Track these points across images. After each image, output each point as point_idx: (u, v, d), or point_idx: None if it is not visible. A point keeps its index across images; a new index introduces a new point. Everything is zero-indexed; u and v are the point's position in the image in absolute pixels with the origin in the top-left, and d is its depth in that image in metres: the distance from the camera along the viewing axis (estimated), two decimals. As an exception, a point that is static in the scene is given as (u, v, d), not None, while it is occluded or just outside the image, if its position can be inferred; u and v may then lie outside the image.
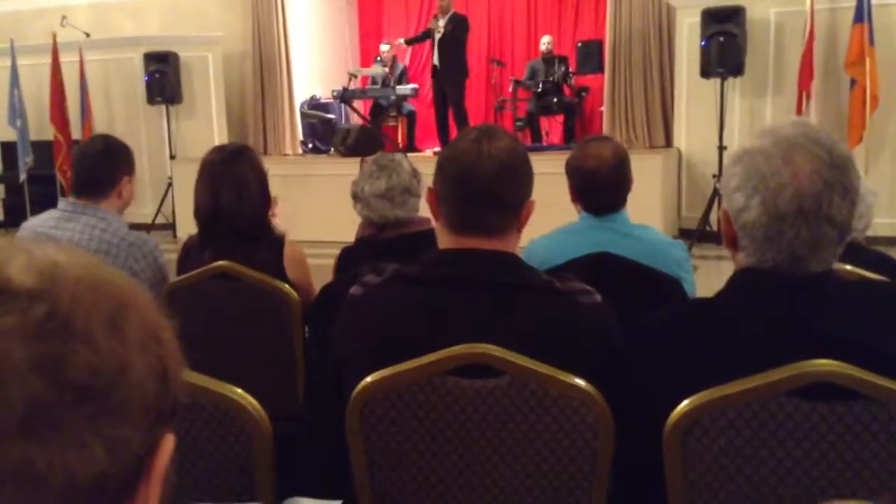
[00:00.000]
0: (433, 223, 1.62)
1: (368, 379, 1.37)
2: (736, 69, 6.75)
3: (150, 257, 2.40)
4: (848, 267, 1.82)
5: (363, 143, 8.22)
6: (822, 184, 1.17)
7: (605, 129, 8.06)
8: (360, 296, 1.52)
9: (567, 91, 9.03)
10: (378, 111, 9.38)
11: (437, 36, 8.46)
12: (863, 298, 1.26)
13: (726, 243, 1.30)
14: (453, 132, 9.00)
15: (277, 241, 2.38)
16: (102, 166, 2.42)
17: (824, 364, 1.16)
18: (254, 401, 1.26)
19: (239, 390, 1.27)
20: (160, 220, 8.61)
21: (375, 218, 2.53)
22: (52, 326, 0.49)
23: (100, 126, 9.00)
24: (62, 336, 0.49)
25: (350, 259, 2.51)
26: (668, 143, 7.71)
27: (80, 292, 0.51)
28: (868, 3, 6.32)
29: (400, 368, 1.35)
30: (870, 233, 6.42)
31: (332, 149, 8.71)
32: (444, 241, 1.53)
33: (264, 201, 2.40)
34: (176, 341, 0.58)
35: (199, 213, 2.34)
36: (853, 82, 6.46)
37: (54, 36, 8.74)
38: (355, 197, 2.56)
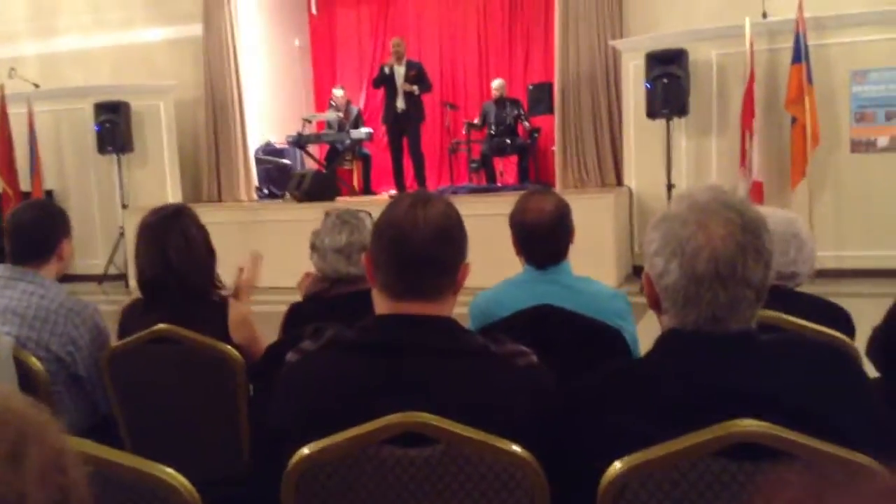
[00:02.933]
0: None
1: (304, 451, 1.36)
2: (680, 109, 6.93)
3: (90, 322, 2.36)
4: (788, 317, 1.86)
5: (318, 188, 8.23)
6: (736, 247, 1.20)
7: (557, 169, 8.19)
8: (295, 363, 1.52)
9: (521, 132, 9.16)
10: (334, 155, 9.41)
11: (400, 81, 8.58)
12: (784, 355, 1.29)
13: (651, 305, 1.32)
14: (409, 175, 9.06)
15: (221, 304, 2.37)
16: (40, 233, 2.39)
17: (749, 424, 1.18)
18: (184, 480, 1.25)
19: (170, 469, 1.25)
20: (112, 270, 8.49)
21: (328, 272, 2.52)
22: None
23: (49, 176, 8.89)
24: None
25: (298, 316, 2.50)
26: (619, 181, 7.84)
27: None
28: (805, 44, 6.55)
29: (334, 439, 1.34)
30: (817, 266, 6.55)
31: (288, 194, 8.70)
32: (381, 306, 1.53)
33: (210, 258, 2.40)
34: (83, 469, 0.58)
35: (146, 276, 2.32)
36: (794, 120, 6.66)
37: (2, 88, 8.67)
38: (313, 247, 2.56)
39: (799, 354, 1.33)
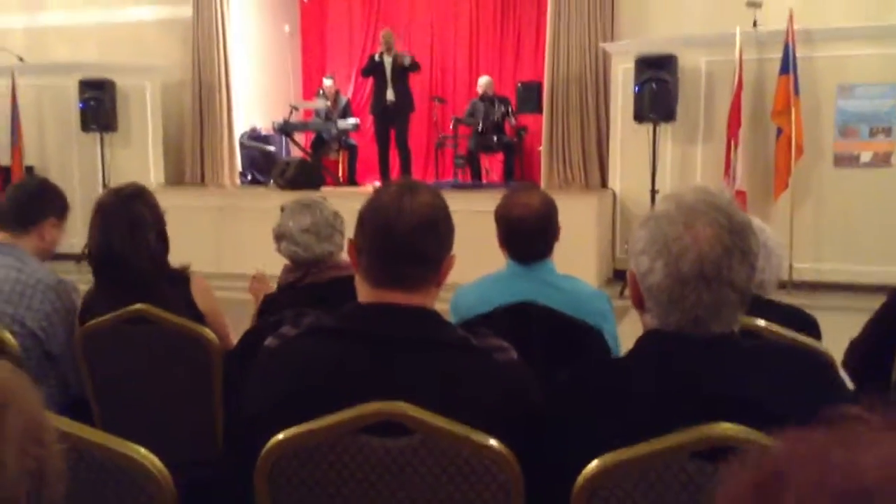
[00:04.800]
0: None
1: (279, 436, 1.35)
2: (668, 115, 6.95)
3: (67, 299, 2.33)
4: (759, 322, 1.87)
5: (303, 176, 8.19)
6: (722, 248, 1.20)
7: (543, 169, 8.19)
8: (275, 348, 1.51)
9: (508, 130, 9.16)
10: (319, 144, 9.36)
11: (389, 70, 8.55)
12: (763, 360, 1.30)
13: (634, 304, 1.32)
14: (394, 167, 9.04)
15: (182, 276, 2.35)
16: (29, 202, 2.39)
17: (727, 428, 1.18)
18: (156, 460, 1.23)
19: (141, 449, 1.24)
20: (91, 250, 8.40)
21: (302, 253, 2.50)
22: None
23: (30, 152, 8.78)
24: None
25: (273, 306, 2.48)
26: (604, 184, 7.86)
27: None
28: (793, 55, 6.59)
29: (311, 426, 1.33)
30: (795, 277, 6.58)
31: (272, 181, 8.65)
32: (363, 293, 1.52)
33: (161, 245, 2.37)
34: (59, 444, 0.57)
35: (92, 256, 2.30)
36: (779, 131, 6.70)
37: (-15, 59, 8.54)
38: (280, 236, 2.54)
39: (778, 360, 1.34)
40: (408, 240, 1.45)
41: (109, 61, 9.03)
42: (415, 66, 8.73)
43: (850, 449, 0.49)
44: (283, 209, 2.56)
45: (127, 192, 2.37)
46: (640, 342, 1.30)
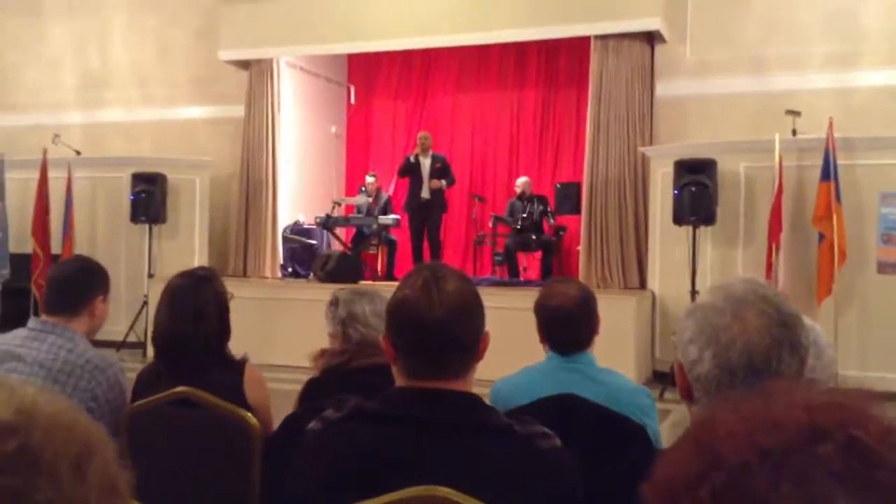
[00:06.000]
0: None
1: (321, 518, 1.34)
2: (707, 218, 6.97)
3: (113, 380, 2.36)
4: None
5: (343, 269, 8.30)
6: (771, 339, 1.20)
7: (581, 268, 8.21)
8: (318, 431, 1.51)
9: (546, 229, 9.25)
10: (360, 239, 9.53)
11: (426, 172, 8.85)
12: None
13: (681, 396, 1.31)
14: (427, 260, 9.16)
15: (238, 364, 2.38)
16: (76, 284, 2.44)
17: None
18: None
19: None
20: (132, 338, 8.52)
21: (374, 334, 2.52)
22: (20, 461, 0.52)
23: (80, 241, 9.05)
24: (29, 472, 0.52)
25: (316, 389, 2.50)
26: (643, 285, 7.84)
27: (52, 431, 0.54)
28: (834, 163, 6.62)
29: (353, 508, 1.32)
30: (840, 385, 6.42)
31: (312, 274, 8.77)
32: (402, 381, 1.52)
33: (222, 330, 2.42)
34: (130, 494, 0.59)
35: (156, 337, 2.37)
36: (821, 237, 6.66)
37: (45, 152, 8.93)
38: (353, 317, 2.56)
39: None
40: (443, 333, 1.44)
41: (162, 156, 9.40)
42: (449, 180, 9.12)
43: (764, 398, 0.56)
44: (338, 297, 2.60)
45: (197, 276, 2.44)
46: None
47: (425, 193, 8.97)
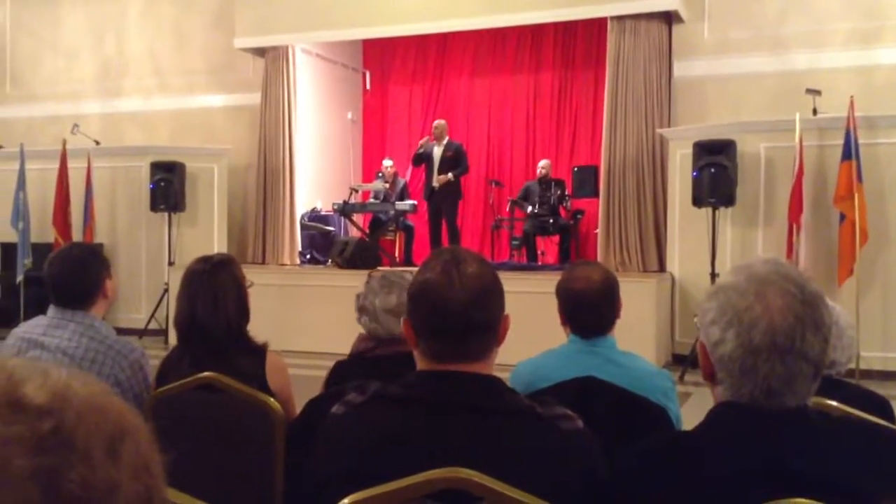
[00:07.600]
0: None
1: (345, 501, 1.35)
2: (727, 200, 6.92)
3: (136, 366, 2.39)
4: (831, 402, 1.82)
5: (360, 255, 8.32)
6: (795, 319, 1.19)
7: (600, 252, 8.19)
8: (341, 415, 1.52)
9: (563, 213, 9.22)
10: (377, 225, 9.55)
11: (437, 161, 8.88)
12: (840, 436, 1.26)
13: (704, 376, 1.31)
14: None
15: (260, 350, 2.40)
16: (82, 277, 2.43)
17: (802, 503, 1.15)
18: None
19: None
20: (153, 325, 8.60)
21: (381, 333, 2.53)
22: (55, 442, 0.53)
23: (101, 230, 9.14)
24: (63, 451, 0.53)
25: (342, 373, 2.51)
26: (662, 267, 7.80)
27: (86, 413, 0.55)
28: (855, 142, 6.55)
29: (377, 491, 1.33)
30: (863, 366, 6.39)
31: (330, 260, 8.81)
32: (424, 365, 1.53)
33: (241, 314, 2.43)
34: (164, 475, 0.60)
35: (177, 322, 2.39)
36: (842, 216, 6.60)
37: (64, 142, 9.01)
38: (363, 310, 2.57)
39: (855, 438, 1.30)
40: (464, 316, 1.45)
41: (180, 145, 9.45)
42: (460, 170, 9.08)
43: None
44: (368, 280, 2.59)
45: (214, 261, 2.45)
46: (713, 415, 1.28)
47: (435, 181, 9.01)
